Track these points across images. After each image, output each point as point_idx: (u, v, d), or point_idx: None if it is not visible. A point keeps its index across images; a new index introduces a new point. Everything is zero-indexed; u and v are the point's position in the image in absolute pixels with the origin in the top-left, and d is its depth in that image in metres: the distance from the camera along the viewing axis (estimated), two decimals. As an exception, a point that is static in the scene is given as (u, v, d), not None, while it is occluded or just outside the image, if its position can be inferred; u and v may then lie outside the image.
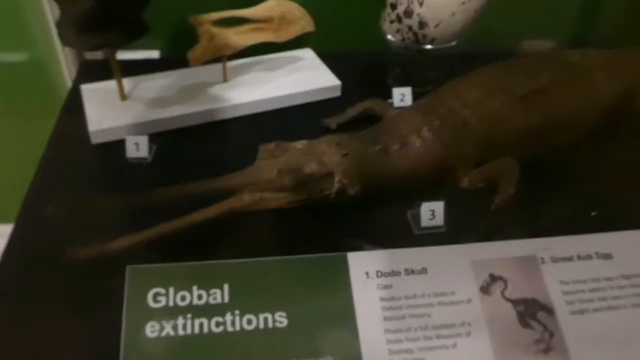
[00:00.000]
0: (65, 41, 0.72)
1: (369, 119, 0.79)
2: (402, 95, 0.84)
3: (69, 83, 0.99)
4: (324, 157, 0.62)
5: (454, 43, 0.83)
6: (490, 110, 0.68)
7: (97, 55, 1.00)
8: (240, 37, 0.82)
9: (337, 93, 0.88)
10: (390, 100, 0.84)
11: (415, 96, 0.84)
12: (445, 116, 0.68)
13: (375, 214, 0.66)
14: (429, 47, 0.82)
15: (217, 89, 0.85)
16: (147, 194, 0.60)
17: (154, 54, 1.03)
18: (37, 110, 1.01)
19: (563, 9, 1.06)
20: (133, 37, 0.73)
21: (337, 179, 0.61)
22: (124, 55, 0.99)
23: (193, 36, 0.97)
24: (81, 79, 0.92)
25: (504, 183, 0.66)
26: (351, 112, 0.81)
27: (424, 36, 0.81)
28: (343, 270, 0.53)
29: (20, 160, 0.86)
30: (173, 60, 0.96)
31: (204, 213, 0.59)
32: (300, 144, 0.63)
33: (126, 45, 0.74)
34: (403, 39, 0.82)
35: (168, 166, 0.74)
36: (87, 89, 0.85)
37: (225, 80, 0.87)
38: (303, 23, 0.86)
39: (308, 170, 0.60)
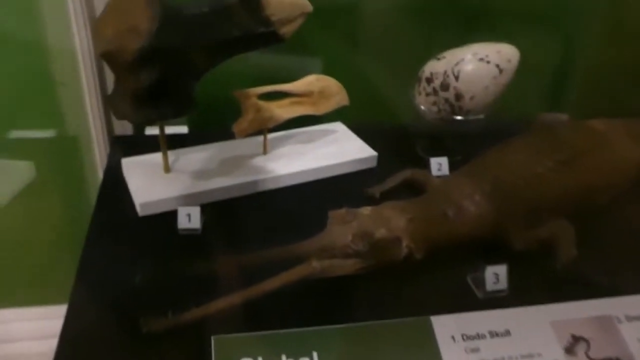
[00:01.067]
0: (118, 114, 0.73)
1: (409, 188, 0.80)
2: (439, 165, 0.86)
3: (97, 158, 0.99)
4: (390, 222, 0.62)
5: (482, 116, 0.87)
6: (535, 175, 0.70)
7: (127, 130, 1.01)
8: (282, 110, 0.85)
9: (374, 163, 0.90)
10: (426, 169, 0.86)
11: (450, 166, 0.87)
12: (494, 182, 0.70)
13: (436, 278, 0.66)
14: (462, 118, 0.86)
15: (259, 161, 0.86)
16: (215, 262, 0.59)
17: (183, 129, 1.05)
18: (71, 185, 1.00)
19: (570, 85, 1.14)
20: (185, 110, 0.75)
21: (405, 243, 0.62)
22: (151, 130, 1.01)
23: (219, 111, 1.00)
24: (114, 153, 0.92)
25: (563, 244, 0.67)
26: (392, 181, 0.83)
27: (460, 108, 0.84)
28: (428, 333, 0.52)
29: (59, 237, 0.85)
30: (203, 134, 0.98)
31: (274, 282, 0.58)
32: (366, 210, 0.63)
33: (177, 118, 0.76)
34: (439, 110, 0.85)
35: (219, 237, 0.73)
36: (127, 162, 0.85)
37: (265, 152, 0.88)
38: (339, 98, 0.90)
39: (379, 235, 0.60)
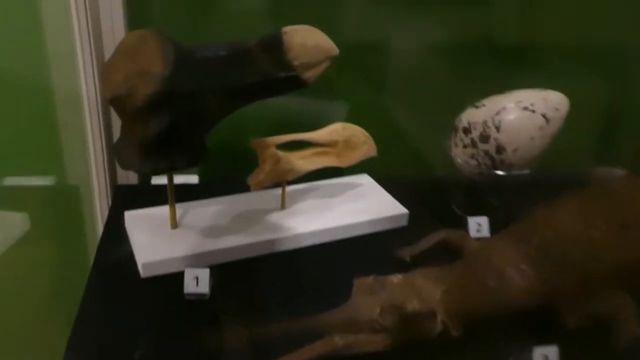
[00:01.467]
0: (124, 164, 0.74)
1: (444, 251, 0.79)
2: (478, 225, 0.85)
3: (98, 209, 1.01)
4: (423, 293, 0.61)
5: (527, 170, 0.86)
6: (592, 242, 0.69)
7: (131, 179, 1.03)
8: (303, 162, 0.85)
9: (404, 222, 0.90)
10: (464, 230, 0.85)
11: (491, 226, 0.86)
12: (542, 248, 0.69)
13: (475, 359, 0.64)
14: (504, 173, 0.85)
15: (276, 217, 0.87)
16: (225, 333, 0.59)
17: (193, 179, 1.06)
18: (67, 240, 1.01)
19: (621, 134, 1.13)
20: (196, 160, 0.76)
21: (439, 318, 0.60)
22: (158, 179, 1.02)
23: (233, 161, 1.01)
24: (117, 205, 0.93)
25: (624, 322, 0.65)
26: (424, 243, 0.82)
27: (502, 161, 0.84)
28: None
29: (52, 298, 0.85)
30: (215, 185, 0.99)
31: (291, 359, 0.57)
32: (396, 278, 0.63)
33: (188, 168, 0.77)
34: (478, 164, 0.85)
35: (230, 303, 0.72)
36: (131, 216, 0.86)
37: (283, 207, 0.89)
38: (366, 148, 0.90)
39: (410, 308, 0.59)
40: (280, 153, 0.82)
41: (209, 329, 0.66)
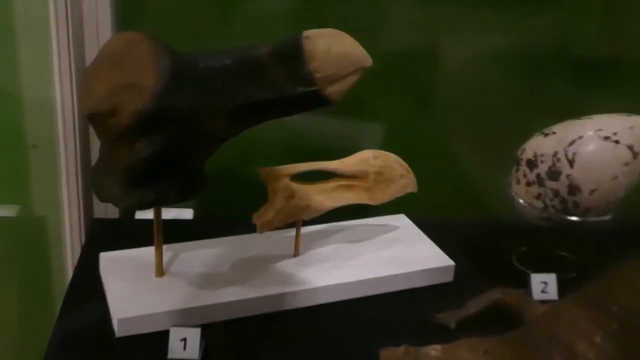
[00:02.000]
0: (102, 194, 0.76)
1: (498, 316, 0.79)
2: (544, 285, 0.85)
3: (68, 248, 1.02)
4: (469, 370, 0.61)
5: (608, 216, 0.86)
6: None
7: (111, 212, 1.04)
8: (324, 197, 0.86)
9: (449, 277, 0.90)
10: (525, 290, 0.85)
11: (560, 286, 0.85)
12: (623, 317, 0.68)
13: None
14: (578, 219, 0.85)
15: (286, 266, 0.87)
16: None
17: (187, 214, 1.07)
18: (28, 285, 1.03)
19: None
20: (191, 193, 0.77)
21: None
22: (144, 213, 1.04)
23: (236, 193, 1.02)
24: (91, 244, 0.94)
25: None
26: (473, 305, 0.81)
27: (575, 205, 0.84)
28: None
29: (14, 346, 0.86)
30: (212, 223, 1.00)
31: None
32: (435, 350, 0.62)
33: (181, 202, 0.78)
34: (546, 207, 0.85)
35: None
36: (107, 258, 0.87)
37: (296, 253, 0.89)
38: (404, 182, 0.90)
39: (452, 389, 0.59)
40: (295, 186, 0.83)
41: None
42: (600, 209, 0.84)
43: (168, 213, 1.03)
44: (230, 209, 1.07)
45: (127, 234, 0.94)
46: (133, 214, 1.03)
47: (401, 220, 0.99)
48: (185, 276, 0.83)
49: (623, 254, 0.76)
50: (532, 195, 0.86)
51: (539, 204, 0.85)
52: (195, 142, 0.72)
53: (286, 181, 0.82)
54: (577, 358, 0.65)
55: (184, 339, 0.73)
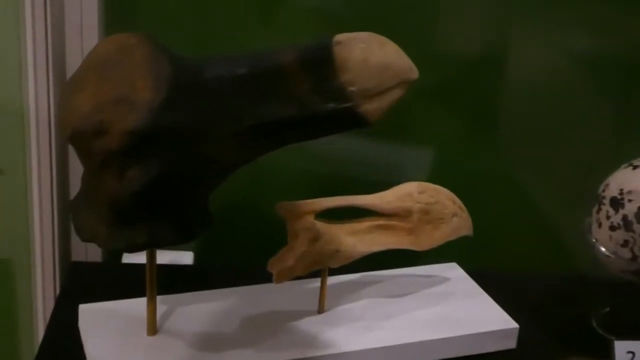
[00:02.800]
0: (84, 232, 0.76)
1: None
2: (631, 355, 0.84)
3: (39, 300, 1.03)
4: None
5: None
6: None
7: (93, 254, 1.05)
8: (357, 241, 0.86)
9: (512, 343, 0.90)
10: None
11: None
12: None
13: None
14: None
15: (309, 325, 0.87)
16: None
17: (186, 258, 1.08)
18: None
19: None
20: (192, 233, 0.77)
21: None
22: (134, 256, 1.04)
23: (247, 234, 1.02)
24: (69, 292, 0.95)
25: None
26: (544, 379, 0.81)
27: (672, 254, 0.83)
28: None
29: None
30: (217, 270, 1.01)
31: None
32: None
33: (180, 244, 0.78)
34: (634, 257, 0.85)
35: None
36: (88, 312, 0.87)
37: (321, 310, 0.89)
38: (457, 223, 0.91)
39: None
40: (322, 225, 0.83)
41: None
42: (703, 260, 0.84)
43: (163, 256, 1.03)
44: (238, 254, 1.08)
45: (112, 282, 0.95)
46: (120, 257, 1.04)
47: (452, 271, 0.99)
48: (184, 335, 0.84)
49: None
50: (617, 242, 0.86)
51: (625, 253, 0.85)
52: (198, 171, 0.73)
53: (310, 220, 0.83)
54: None
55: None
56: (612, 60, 1.03)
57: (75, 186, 0.97)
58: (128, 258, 1.04)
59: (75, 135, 0.71)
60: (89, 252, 1.03)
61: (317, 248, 0.83)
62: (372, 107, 0.72)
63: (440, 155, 1.05)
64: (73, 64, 0.92)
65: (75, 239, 1.02)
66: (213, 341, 0.84)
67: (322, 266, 0.86)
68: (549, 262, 1.04)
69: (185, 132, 0.70)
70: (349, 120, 0.72)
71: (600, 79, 1.03)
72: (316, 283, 0.90)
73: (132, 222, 0.73)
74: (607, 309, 0.94)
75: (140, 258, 0.96)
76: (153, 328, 0.84)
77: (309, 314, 0.89)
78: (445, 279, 0.98)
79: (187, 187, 0.74)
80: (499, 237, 1.01)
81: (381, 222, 0.88)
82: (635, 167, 0.87)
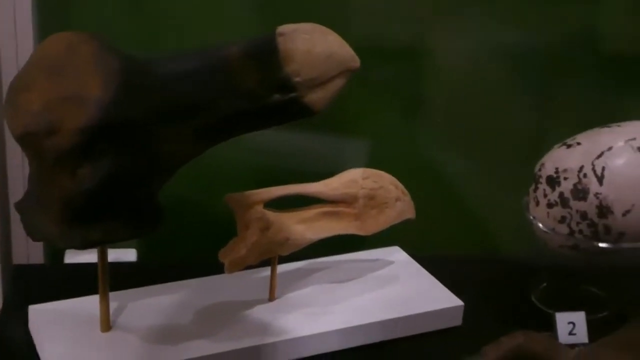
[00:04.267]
0: (36, 232, 0.77)
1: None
2: (571, 325, 0.89)
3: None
4: None
5: (633, 244, 0.90)
6: None
7: (34, 256, 1.05)
8: (305, 228, 0.88)
9: (457, 320, 0.93)
10: (549, 333, 0.88)
11: (590, 327, 0.89)
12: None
13: None
14: (609, 246, 0.89)
15: (261, 313, 0.89)
16: None
17: (129, 255, 1.08)
18: None
19: None
20: (146, 228, 0.78)
21: None
22: (76, 257, 1.05)
23: (195, 227, 1.03)
24: (13, 297, 0.95)
25: None
26: (492, 353, 0.84)
27: (607, 229, 0.88)
28: None
29: None
30: (163, 265, 1.02)
31: None
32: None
33: (134, 239, 0.80)
34: (571, 233, 0.89)
35: None
36: (38, 313, 0.88)
37: (272, 297, 0.92)
38: (401, 206, 0.94)
39: None
40: (271, 215, 0.86)
41: None
42: (636, 233, 0.88)
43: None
44: (181, 249, 1.09)
45: (58, 283, 0.95)
46: (62, 258, 1.04)
47: (396, 254, 1.03)
48: (138, 330, 0.85)
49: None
50: (554, 219, 0.90)
51: (563, 229, 0.89)
52: (151, 166, 0.74)
53: (260, 209, 0.85)
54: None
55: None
56: (536, 52, 1.07)
57: (17, 186, 0.97)
58: (71, 258, 1.04)
59: (25, 135, 0.71)
60: (31, 255, 1.02)
61: (268, 237, 0.85)
62: (316, 97, 0.74)
63: (378, 143, 1.08)
64: (9, 71, 0.92)
65: (15, 242, 1.02)
66: (168, 334, 0.85)
67: (272, 255, 0.88)
68: (488, 242, 1.08)
69: (137, 128, 0.71)
70: (294, 110, 0.75)
71: (526, 67, 1.08)
72: (265, 272, 0.92)
73: (85, 220, 0.74)
74: (545, 284, 0.98)
75: (83, 257, 0.98)
76: (107, 324, 0.85)
77: (260, 302, 0.91)
78: (389, 262, 1.01)
79: (140, 183, 0.75)
80: (439, 220, 1.04)
81: (328, 209, 0.90)
82: (569, 146, 0.91)
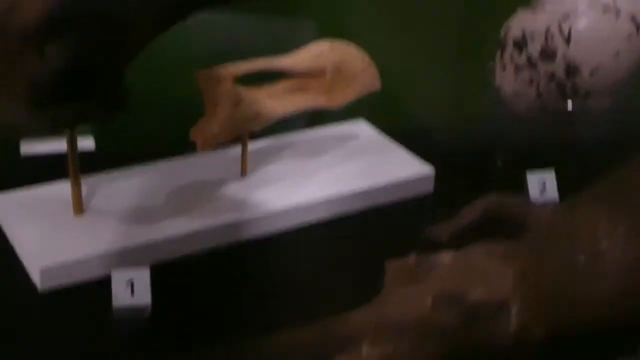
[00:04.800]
0: (5, 113, 0.76)
1: (496, 226, 0.84)
2: (542, 185, 0.92)
3: None
4: (488, 276, 0.67)
5: (608, 101, 0.93)
6: None
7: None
8: (276, 103, 0.89)
9: (428, 188, 0.96)
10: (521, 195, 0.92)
11: (560, 185, 0.92)
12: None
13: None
14: (576, 105, 0.92)
15: (235, 190, 0.90)
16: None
17: (86, 143, 1.07)
18: None
19: None
20: (115, 107, 0.78)
21: (513, 311, 0.66)
22: (32, 148, 1.03)
23: (161, 106, 1.03)
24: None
25: None
26: (468, 215, 0.87)
27: (574, 88, 0.90)
28: None
29: None
30: (123, 152, 1.01)
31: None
32: (447, 257, 0.68)
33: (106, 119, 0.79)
34: (539, 95, 0.91)
35: (176, 318, 0.76)
36: (4, 201, 0.87)
37: (244, 172, 0.93)
38: (367, 78, 0.95)
39: (474, 297, 0.65)
40: (242, 90, 0.86)
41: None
42: (601, 93, 0.91)
43: (62, 145, 1.02)
44: (141, 135, 1.07)
45: (16, 175, 0.94)
46: (18, 150, 1.02)
47: (362, 127, 1.04)
48: (112, 212, 0.86)
49: (635, 145, 0.83)
50: (522, 82, 0.92)
51: (531, 92, 0.91)
52: (116, 44, 0.73)
53: (230, 85, 0.84)
54: (602, 257, 0.72)
55: (131, 282, 0.75)
56: None
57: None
58: (26, 149, 1.02)
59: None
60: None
61: (240, 112, 0.85)
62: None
63: (336, 20, 1.08)
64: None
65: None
66: (143, 214, 0.86)
67: (244, 131, 0.88)
68: (454, 112, 1.09)
69: (101, 2, 0.71)
70: None
71: None
72: (234, 151, 0.93)
73: (55, 101, 0.73)
74: (513, 148, 1.00)
75: (37, 149, 0.97)
76: (79, 207, 0.85)
77: (233, 180, 0.92)
78: (356, 135, 1.02)
79: (108, 62, 0.75)
80: (401, 92, 1.05)
81: (296, 83, 0.91)
82: (534, 9, 0.92)
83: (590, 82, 0.89)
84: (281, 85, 0.91)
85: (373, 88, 0.96)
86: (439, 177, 0.96)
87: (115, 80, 0.77)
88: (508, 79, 0.93)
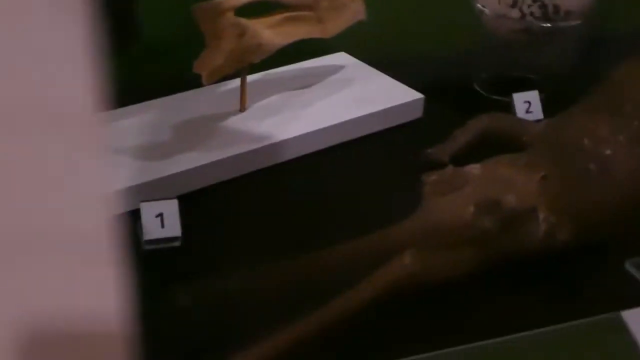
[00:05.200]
0: None
1: (492, 144, 0.89)
2: (527, 104, 0.97)
3: None
4: (516, 185, 0.72)
5: (578, 22, 0.98)
6: None
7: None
8: (274, 33, 0.91)
9: (418, 112, 1.00)
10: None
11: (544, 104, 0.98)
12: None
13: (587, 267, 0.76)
14: (557, 25, 0.96)
15: (235, 124, 0.93)
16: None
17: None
18: None
19: None
20: (129, 40, 0.80)
21: (542, 216, 0.71)
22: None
23: (158, 43, 1.03)
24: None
25: None
26: (463, 136, 0.91)
27: (556, 9, 0.95)
28: (624, 334, 0.62)
29: None
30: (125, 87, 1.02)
31: (348, 303, 0.65)
32: (476, 169, 0.72)
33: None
34: (523, 16, 0.95)
35: (206, 247, 0.78)
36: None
37: (243, 108, 0.95)
38: (355, 7, 0.97)
39: (508, 204, 0.69)
40: (244, 21, 0.87)
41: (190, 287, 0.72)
42: (578, 13, 0.96)
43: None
44: (145, 66, 1.07)
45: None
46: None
47: (345, 59, 1.07)
48: (118, 150, 0.87)
49: (617, 59, 0.88)
50: (506, 4, 0.96)
51: (515, 13, 0.96)
52: None
53: (233, 17, 0.86)
54: (609, 161, 0.77)
55: (160, 215, 0.77)
56: None
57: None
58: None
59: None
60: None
61: (244, 43, 0.87)
62: None
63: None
64: None
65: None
66: (143, 152, 0.87)
67: (245, 63, 0.90)
68: (435, 40, 1.13)
69: None
70: None
71: None
72: (231, 84, 0.96)
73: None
74: (494, 73, 1.05)
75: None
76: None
77: (232, 114, 0.94)
78: (341, 67, 1.05)
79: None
80: (381, 21, 1.07)
81: (291, 13, 0.93)
82: None
83: (570, 1, 0.94)
84: (277, 16, 0.92)
85: (360, 17, 0.98)
86: (426, 104, 1.00)
87: (123, 14, 0.79)
88: (491, 0, 0.96)
